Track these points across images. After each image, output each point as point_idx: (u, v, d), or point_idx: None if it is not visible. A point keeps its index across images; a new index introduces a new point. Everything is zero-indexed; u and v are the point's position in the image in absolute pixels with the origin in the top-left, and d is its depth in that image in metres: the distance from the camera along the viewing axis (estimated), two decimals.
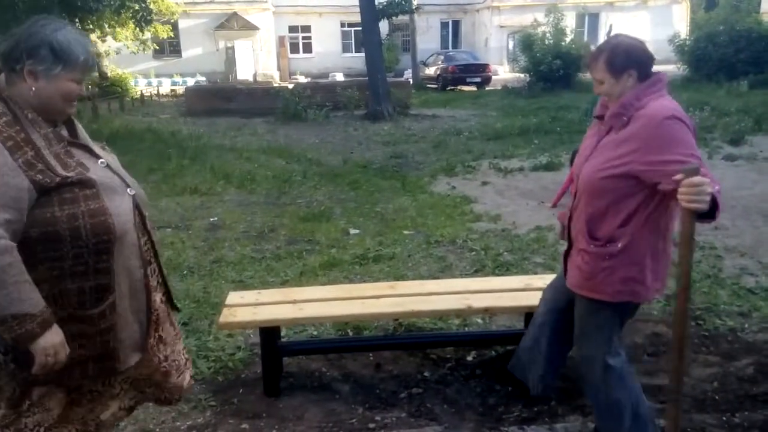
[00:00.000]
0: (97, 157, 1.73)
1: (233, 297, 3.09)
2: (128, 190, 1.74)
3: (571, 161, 7.37)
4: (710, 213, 1.83)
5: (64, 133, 1.71)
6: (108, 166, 1.73)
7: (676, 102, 2.13)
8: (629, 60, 2.09)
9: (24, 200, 1.51)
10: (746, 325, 3.57)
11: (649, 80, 2.11)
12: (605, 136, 2.17)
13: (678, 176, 1.83)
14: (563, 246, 2.41)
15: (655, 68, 2.17)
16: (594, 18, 30.17)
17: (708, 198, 1.78)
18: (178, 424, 2.73)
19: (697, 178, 1.79)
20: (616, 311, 2.22)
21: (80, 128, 1.78)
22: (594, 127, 2.31)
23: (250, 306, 2.95)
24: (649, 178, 2.00)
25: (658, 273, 2.17)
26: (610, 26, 12.90)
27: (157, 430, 2.69)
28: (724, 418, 2.68)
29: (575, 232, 2.27)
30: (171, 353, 1.93)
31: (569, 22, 23.72)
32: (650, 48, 2.22)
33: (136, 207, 1.75)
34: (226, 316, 2.85)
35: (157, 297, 1.85)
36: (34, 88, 1.60)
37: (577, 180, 2.26)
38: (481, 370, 3.15)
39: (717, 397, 2.86)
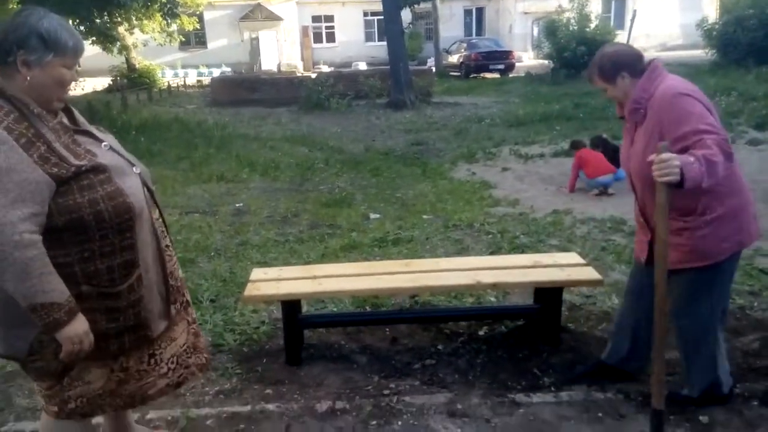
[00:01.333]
0: (100, 140, 1.79)
1: (257, 273, 3.28)
2: (134, 168, 1.83)
3: (571, 146, 7.41)
4: (680, 183, 2.00)
5: (65, 121, 1.77)
6: (111, 147, 1.80)
7: (682, 79, 2.33)
8: (616, 65, 2.36)
9: (45, 192, 1.58)
10: (755, 303, 3.65)
11: (647, 72, 2.35)
12: (635, 132, 2.40)
13: (651, 156, 2.02)
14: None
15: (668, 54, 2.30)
16: (620, 3, 29.70)
17: (677, 171, 1.96)
18: (207, 389, 2.93)
19: (664, 155, 1.98)
20: (722, 269, 2.37)
21: (77, 114, 1.84)
22: (624, 128, 2.53)
23: (273, 281, 3.13)
24: (680, 151, 2.13)
25: (751, 214, 2.37)
26: (634, 12, 12.71)
27: (188, 394, 2.89)
28: None
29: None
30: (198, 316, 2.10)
31: (594, 7, 23.41)
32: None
33: (144, 183, 1.85)
34: (250, 290, 3.03)
35: (174, 266, 1.98)
36: (29, 78, 1.63)
37: (630, 177, 2.49)
38: (492, 343, 3.29)
39: None
